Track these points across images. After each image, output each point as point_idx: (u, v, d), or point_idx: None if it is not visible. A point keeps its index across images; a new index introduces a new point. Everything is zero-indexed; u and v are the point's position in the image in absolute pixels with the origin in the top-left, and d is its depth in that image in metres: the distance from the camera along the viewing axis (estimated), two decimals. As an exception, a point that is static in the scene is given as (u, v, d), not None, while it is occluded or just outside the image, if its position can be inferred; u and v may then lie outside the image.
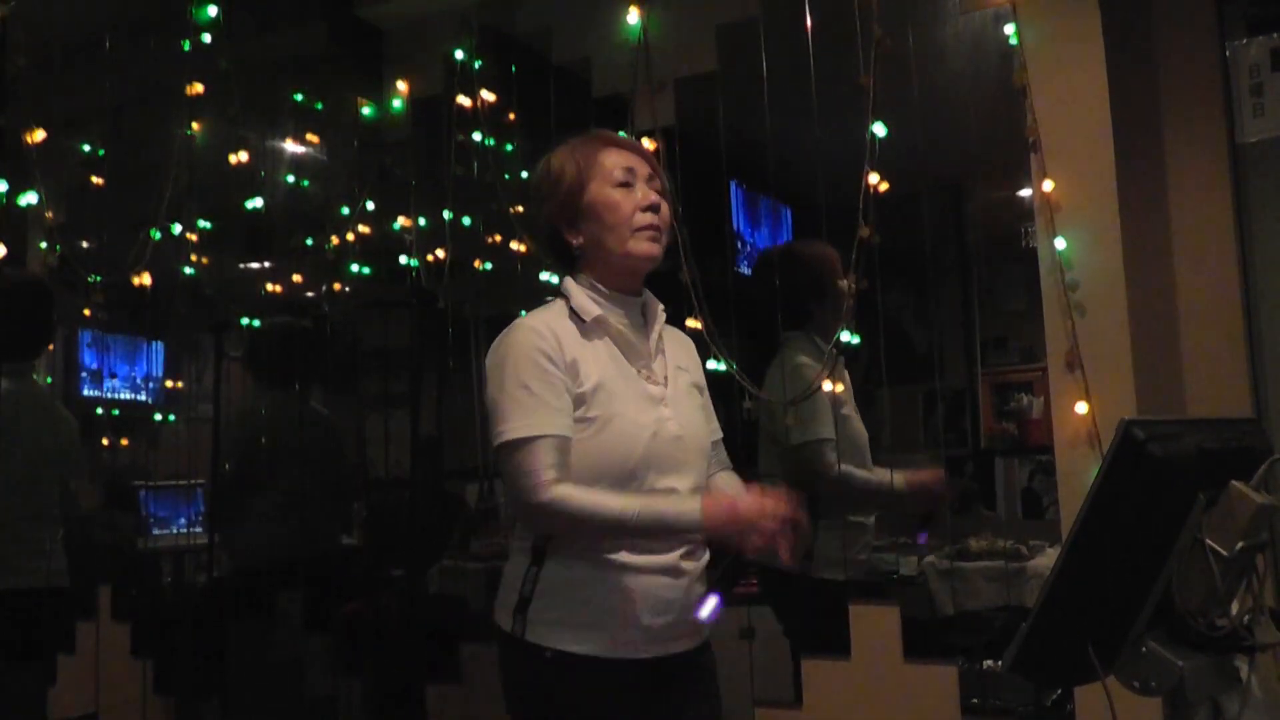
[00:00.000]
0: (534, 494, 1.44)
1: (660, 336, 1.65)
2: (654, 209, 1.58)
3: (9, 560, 2.58)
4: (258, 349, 3.21)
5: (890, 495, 2.44)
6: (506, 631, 1.54)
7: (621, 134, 1.78)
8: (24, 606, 2.59)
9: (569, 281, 1.62)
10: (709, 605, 1.49)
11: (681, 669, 1.57)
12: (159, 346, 3.77)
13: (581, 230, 1.59)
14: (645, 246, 1.57)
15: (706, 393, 1.73)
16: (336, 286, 3.32)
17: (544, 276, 2.94)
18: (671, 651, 1.54)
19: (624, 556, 1.49)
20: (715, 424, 1.75)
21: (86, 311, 3.13)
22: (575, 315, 1.57)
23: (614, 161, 1.60)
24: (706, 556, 1.62)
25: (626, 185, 1.58)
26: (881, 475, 2.45)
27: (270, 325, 3.24)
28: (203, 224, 3.21)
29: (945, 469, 2.41)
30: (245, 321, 3.28)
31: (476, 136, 2.95)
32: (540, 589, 1.51)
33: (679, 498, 1.52)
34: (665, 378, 1.61)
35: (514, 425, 1.47)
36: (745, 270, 3.42)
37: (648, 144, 2.61)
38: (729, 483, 1.73)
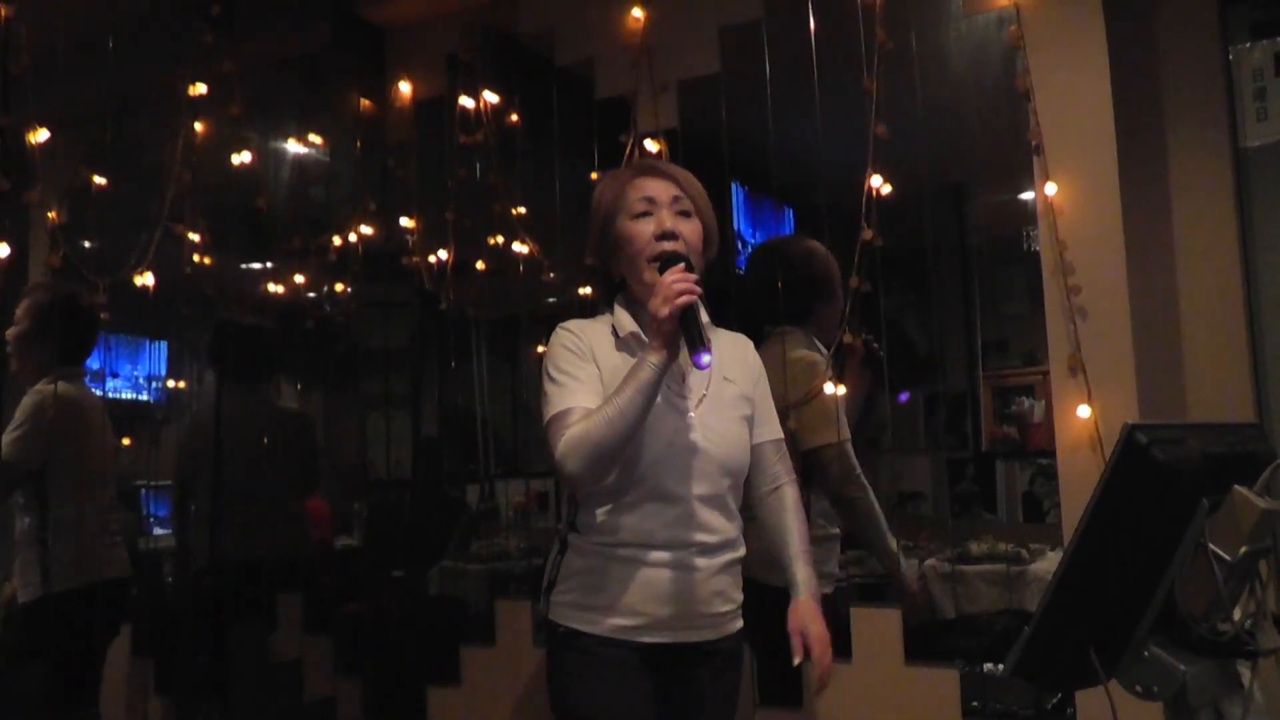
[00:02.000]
0: (555, 451, 1.55)
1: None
2: (671, 236, 1.62)
3: (99, 552, 2.74)
4: (220, 345, 3.22)
5: (885, 550, 2.36)
6: (539, 610, 1.70)
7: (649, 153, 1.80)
8: (106, 595, 2.73)
9: (616, 302, 1.71)
10: (704, 358, 1.50)
11: (694, 655, 1.63)
12: (161, 346, 3.77)
13: (616, 261, 1.69)
14: (656, 277, 1.58)
15: (766, 397, 1.77)
16: (339, 287, 3.32)
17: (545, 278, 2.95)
18: (678, 640, 1.61)
19: (634, 551, 1.59)
20: (772, 425, 1.78)
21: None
22: (614, 330, 1.67)
23: (636, 193, 1.66)
24: (731, 554, 1.66)
25: (646, 215, 1.64)
26: (893, 539, 2.36)
27: (234, 321, 3.25)
28: (205, 224, 3.21)
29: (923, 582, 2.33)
30: (253, 321, 3.30)
31: (479, 138, 2.95)
32: (562, 574, 1.66)
33: (639, 362, 1.53)
34: (704, 393, 1.65)
35: (544, 412, 1.60)
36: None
37: (651, 145, 2.62)
38: (778, 514, 1.74)
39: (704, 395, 1.65)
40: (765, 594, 2.42)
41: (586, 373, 1.61)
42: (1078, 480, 2.19)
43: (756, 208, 3.59)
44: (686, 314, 1.50)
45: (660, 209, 1.64)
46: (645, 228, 1.63)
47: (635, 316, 1.67)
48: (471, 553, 3.51)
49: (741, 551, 1.69)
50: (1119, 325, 2.20)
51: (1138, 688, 1.10)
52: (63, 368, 2.76)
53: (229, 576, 3.02)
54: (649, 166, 1.73)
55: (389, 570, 3.23)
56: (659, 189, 1.66)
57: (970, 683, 2.22)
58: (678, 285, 1.50)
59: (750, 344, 1.82)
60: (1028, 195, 2.35)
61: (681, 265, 1.56)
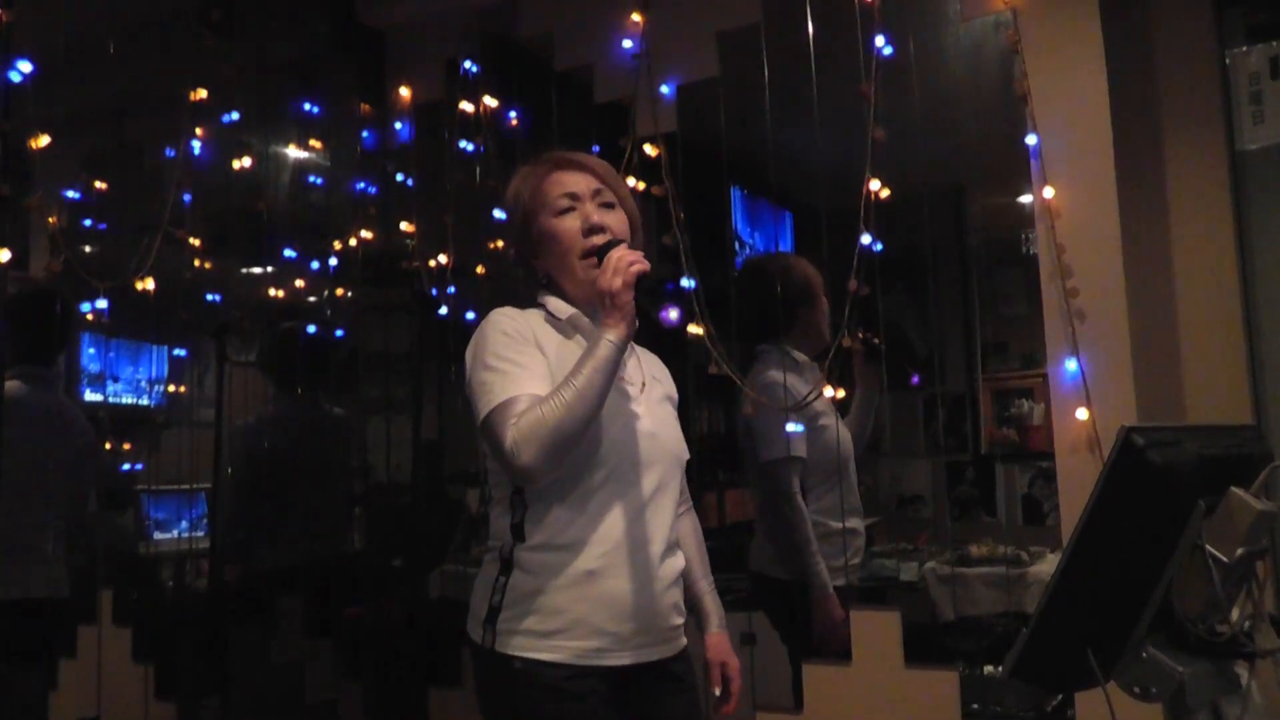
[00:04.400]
0: (504, 442, 1.41)
1: (632, 348, 1.65)
2: (599, 229, 1.56)
3: (13, 570, 2.57)
4: (271, 354, 3.22)
5: (807, 572, 2.39)
6: (477, 643, 1.53)
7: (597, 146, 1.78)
8: (26, 614, 2.58)
9: (545, 295, 1.65)
10: (672, 313, 1.50)
11: (655, 678, 1.55)
12: (161, 350, 3.77)
13: (540, 259, 1.63)
14: (593, 272, 1.53)
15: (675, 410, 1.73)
16: (339, 292, 3.33)
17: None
18: (643, 660, 1.52)
19: (588, 564, 1.48)
20: (684, 446, 1.73)
21: (89, 315, 3.13)
22: (551, 317, 1.60)
23: (556, 189, 1.60)
24: (681, 563, 1.62)
25: (570, 210, 1.59)
26: (819, 562, 2.40)
27: (281, 330, 3.25)
28: (205, 229, 3.22)
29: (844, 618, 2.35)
30: (252, 326, 3.30)
31: (479, 142, 2.96)
32: (508, 599, 1.51)
33: (594, 341, 1.47)
34: (642, 382, 1.62)
35: (484, 402, 1.46)
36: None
37: (650, 150, 2.63)
38: (684, 543, 1.71)
39: (643, 383, 1.61)
40: (770, 586, 2.46)
41: (531, 358, 1.50)
42: (1076, 482, 2.19)
43: (755, 211, 3.60)
44: (642, 283, 1.46)
45: (583, 203, 1.59)
46: (571, 223, 1.57)
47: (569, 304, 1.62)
48: (472, 555, 3.51)
49: (683, 561, 1.64)
50: (1117, 327, 2.20)
51: (1136, 689, 1.11)
52: (24, 366, 2.63)
53: (284, 581, 3.02)
54: (565, 160, 1.65)
55: (390, 573, 3.24)
56: (579, 182, 1.60)
57: (970, 685, 2.22)
58: (627, 258, 1.46)
59: (661, 363, 1.77)
60: (1026, 198, 2.36)
61: (624, 244, 1.51)
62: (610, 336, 1.45)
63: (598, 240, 1.55)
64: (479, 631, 1.53)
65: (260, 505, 3.08)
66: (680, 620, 1.60)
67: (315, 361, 3.21)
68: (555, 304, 1.61)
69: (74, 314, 2.90)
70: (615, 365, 1.45)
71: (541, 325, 1.58)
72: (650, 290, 1.51)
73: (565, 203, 1.59)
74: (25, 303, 2.67)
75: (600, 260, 1.50)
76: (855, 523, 2.51)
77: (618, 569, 1.49)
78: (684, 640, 1.62)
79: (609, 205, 1.61)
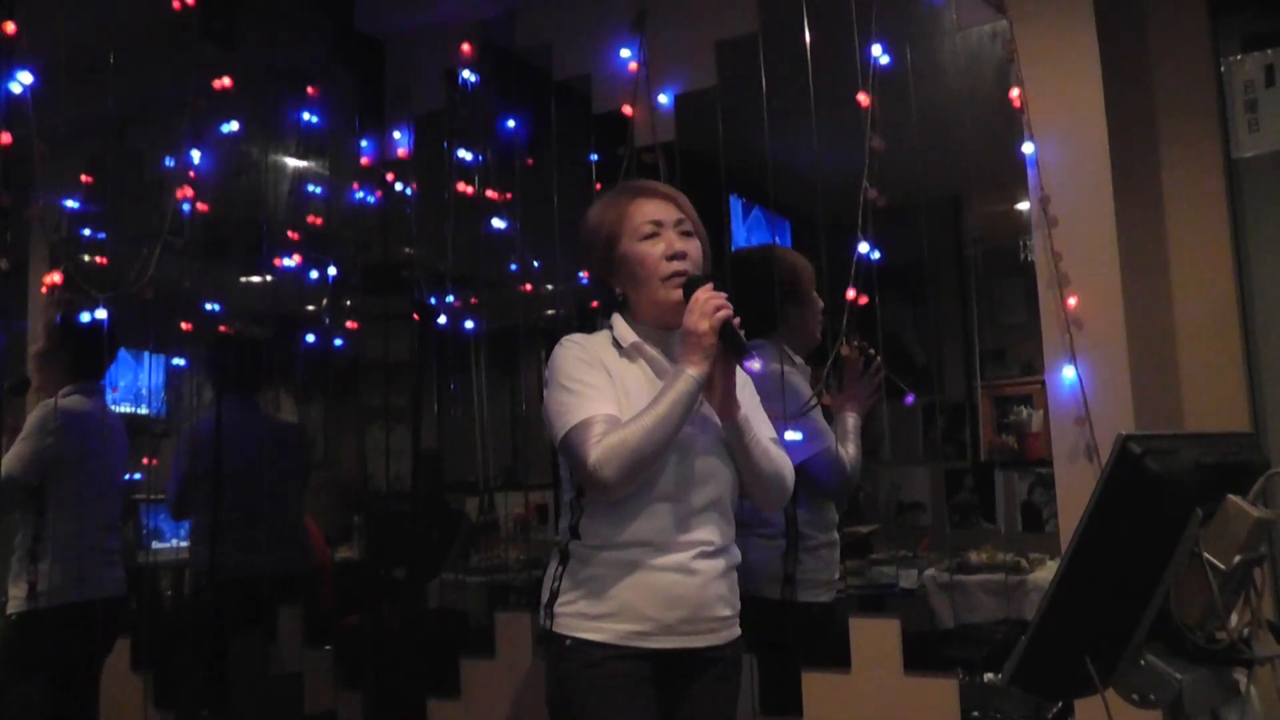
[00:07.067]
0: (586, 461, 1.55)
1: None
2: (680, 256, 1.69)
3: (92, 570, 2.73)
4: (217, 356, 3.22)
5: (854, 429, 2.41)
6: (540, 625, 1.69)
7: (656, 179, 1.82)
8: (102, 612, 2.72)
9: (615, 316, 1.77)
10: (755, 364, 1.63)
11: (699, 662, 1.67)
12: (160, 360, 3.77)
13: (619, 280, 1.75)
14: (675, 294, 1.67)
15: (756, 405, 1.80)
16: (338, 301, 3.33)
17: (546, 288, 2.97)
18: (689, 646, 1.64)
19: (636, 556, 1.61)
20: (769, 427, 1.79)
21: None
22: (616, 343, 1.73)
23: (641, 215, 1.72)
24: (727, 560, 1.69)
25: (654, 236, 1.71)
26: (845, 450, 2.37)
27: (231, 332, 3.24)
28: (205, 238, 3.22)
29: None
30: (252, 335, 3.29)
31: (478, 152, 2.96)
32: (564, 585, 1.66)
33: (676, 374, 1.60)
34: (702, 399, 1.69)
35: (563, 422, 1.61)
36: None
37: (648, 159, 2.64)
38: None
39: (703, 400, 1.69)
40: (760, 606, 2.43)
41: (601, 380, 1.64)
42: (1075, 489, 2.20)
43: (753, 220, 3.60)
44: (726, 327, 1.59)
45: (666, 230, 1.71)
46: (654, 249, 1.70)
47: (635, 329, 1.74)
48: (471, 565, 3.51)
49: (738, 559, 1.74)
50: (1114, 334, 2.21)
51: (1135, 696, 1.11)
52: (79, 382, 2.80)
53: (233, 590, 3.01)
54: (648, 189, 1.79)
55: (389, 582, 3.23)
56: (662, 211, 1.73)
57: (969, 692, 2.22)
58: (714, 301, 1.60)
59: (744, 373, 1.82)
60: (1023, 206, 2.37)
61: (710, 284, 1.64)
62: (692, 372, 1.59)
63: (679, 266, 1.69)
64: (542, 615, 1.69)
65: (202, 514, 3.07)
66: (729, 612, 1.70)
67: (256, 367, 3.22)
68: (621, 329, 1.74)
69: (117, 332, 2.97)
70: (694, 398, 1.60)
71: (606, 349, 1.72)
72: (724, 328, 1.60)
73: (650, 229, 1.71)
74: (73, 324, 2.80)
75: (686, 290, 1.64)
76: (834, 535, 2.46)
77: (662, 565, 1.61)
78: (736, 631, 1.73)
79: (688, 234, 1.73)
